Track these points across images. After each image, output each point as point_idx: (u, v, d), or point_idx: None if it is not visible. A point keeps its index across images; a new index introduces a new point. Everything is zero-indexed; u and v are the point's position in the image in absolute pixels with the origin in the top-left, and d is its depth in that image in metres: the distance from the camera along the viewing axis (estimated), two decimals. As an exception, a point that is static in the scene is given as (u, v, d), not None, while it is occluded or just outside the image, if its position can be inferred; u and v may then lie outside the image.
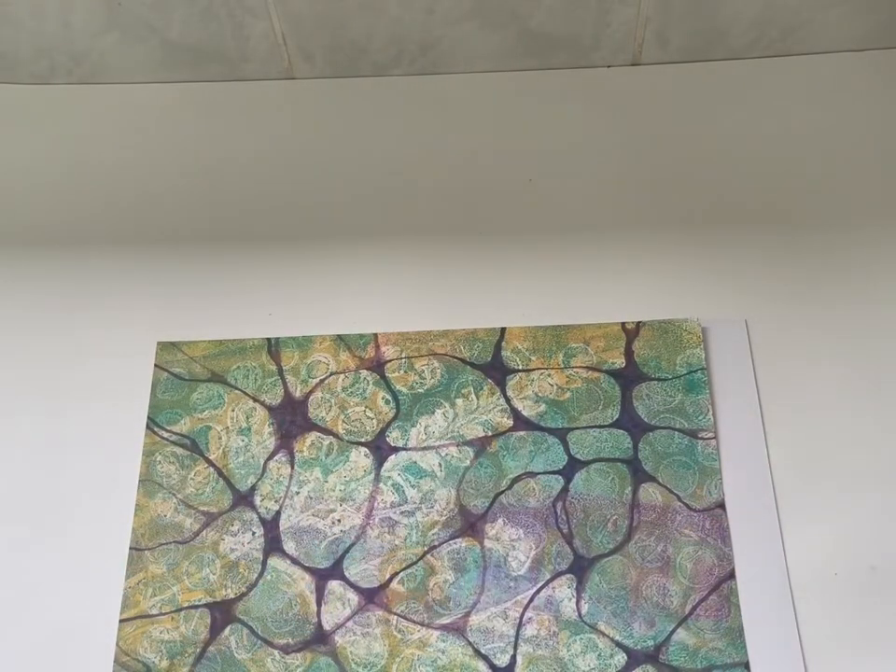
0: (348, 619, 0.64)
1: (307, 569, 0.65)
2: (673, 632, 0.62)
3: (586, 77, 0.87)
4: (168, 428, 0.70)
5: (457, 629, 0.63)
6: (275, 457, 0.69)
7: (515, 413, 0.70)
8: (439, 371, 0.72)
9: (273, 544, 0.66)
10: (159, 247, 0.79)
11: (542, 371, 0.71)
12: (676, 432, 0.68)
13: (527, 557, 0.65)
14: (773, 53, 0.86)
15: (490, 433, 0.69)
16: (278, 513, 0.67)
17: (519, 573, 0.65)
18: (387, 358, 0.72)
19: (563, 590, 0.64)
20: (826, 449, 0.68)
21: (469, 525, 0.66)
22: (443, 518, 0.66)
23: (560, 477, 0.67)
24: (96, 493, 0.69)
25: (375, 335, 0.73)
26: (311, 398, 0.71)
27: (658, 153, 0.82)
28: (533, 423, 0.69)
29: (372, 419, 0.70)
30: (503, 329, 0.73)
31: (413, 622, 0.63)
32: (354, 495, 0.68)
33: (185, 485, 0.68)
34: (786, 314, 0.73)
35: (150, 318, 0.75)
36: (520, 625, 0.63)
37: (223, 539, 0.66)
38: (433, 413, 0.70)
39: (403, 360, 0.72)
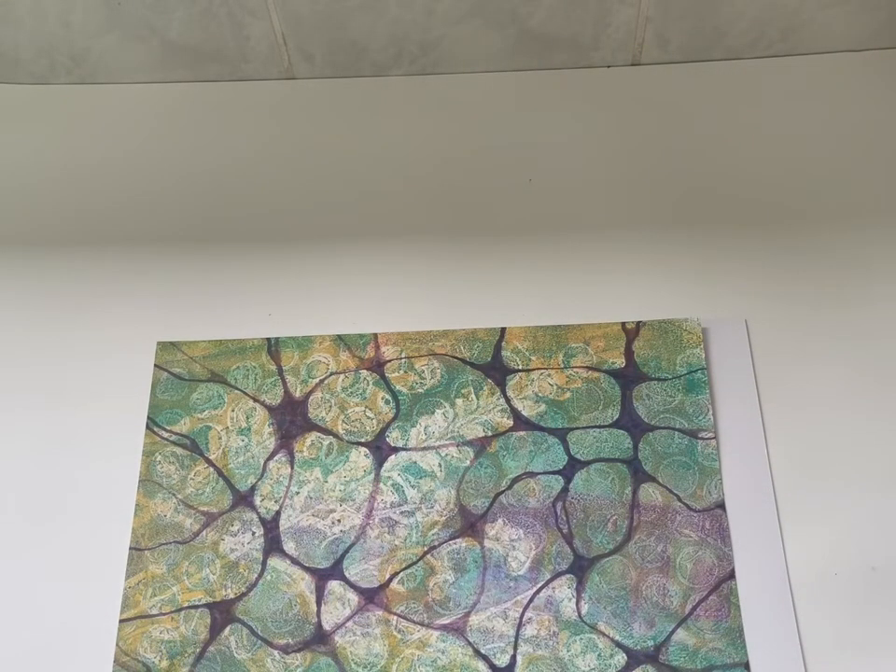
0: (348, 619, 0.64)
1: (307, 569, 0.65)
2: (673, 632, 0.62)
3: (586, 77, 0.87)
4: (168, 428, 0.70)
5: (457, 629, 0.63)
6: (275, 457, 0.69)
7: (515, 413, 0.70)
8: (439, 371, 0.72)
9: (272, 544, 0.66)
10: (159, 247, 0.79)
11: (542, 370, 0.71)
12: (676, 432, 0.68)
13: (527, 557, 0.65)
14: (773, 53, 0.86)
15: (490, 433, 0.69)
16: (278, 513, 0.67)
17: (519, 573, 0.65)
18: (387, 358, 0.72)
19: (563, 590, 0.64)
20: (826, 449, 0.68)
21: (469, 525, 0.66)
22: (443, 518, 0.66)
23: (560, 477, 0.67)
24: (96, 493, 0.69)
25: (375, 335, 0.73)
26: (311, 398, 0.71)
27: (658, 153, 0.82)
28: (533, 423, 0.69)
29: (372, 419, 0.70)
30: (503, 329, 0.73)
31: (413, 622, 0.63)
32: (354, 495, 0.68)
33: (185, 485, 0.68)
34: (786, 314, 0.73)
35: (150, 318, 0.75)
36: (520, 625, 0.63)
37: (223, 540, 0.66)
38: (433, 413, 0.70)
39: (403, 360, 0.72)
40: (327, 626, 0.64)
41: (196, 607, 0.65)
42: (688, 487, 0.66)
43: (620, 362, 0.71)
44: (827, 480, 0.67)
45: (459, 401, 0.70)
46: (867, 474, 0.67)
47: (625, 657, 0.62)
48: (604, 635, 0.62)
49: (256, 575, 0.65)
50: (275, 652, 0.63)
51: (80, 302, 0.76)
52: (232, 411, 0.71)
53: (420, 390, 0.71)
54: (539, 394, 0.70)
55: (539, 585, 0.64)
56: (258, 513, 0.67)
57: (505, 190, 0.80)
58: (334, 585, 0.65)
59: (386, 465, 0.68)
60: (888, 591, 0.63)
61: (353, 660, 0.62)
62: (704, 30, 0.84)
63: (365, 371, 0.72)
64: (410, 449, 0.69)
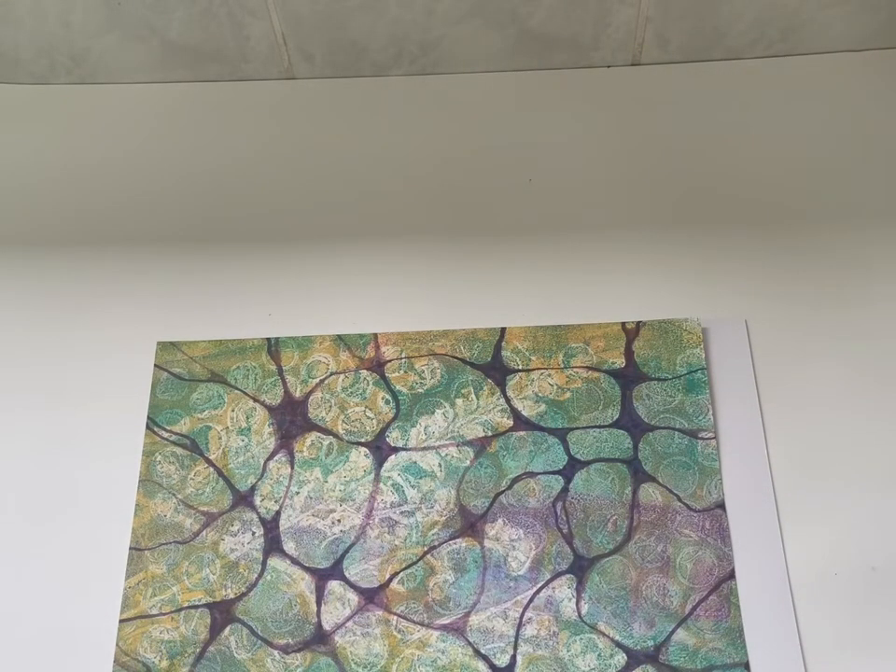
0: (348, 619, 0.64)
1: (307, 569, 0.65)
2: (673, 632, 0.62)
3: (586, 77, 0.87)
4: (168, 428, 0.70)
5: (457, 629, 0.63)
6: (275, 457, 0.69)
7: (515, 413, 0.70)
8: (439, 371, 0.72)
9: (272, 544, 0.66)
10: (159, 247, 0.79)
11: (542, 371, 0.71)
12: (676, 432, 0.68)
13: (527, 557, 0.65)
14: (773, 53, 0.86)
15: (490, 433, 0.69)
16: (278, 513, 0.67)
17: (519, 573, 0.65)
18: (387, 358, 0.72)
19: (563, 590, 0.64)
20: (826, 449, 0.68)
21: (469, 525, 0.66)
22: (443, 518, 0.66)
23: (560, 477, 0.67)
24: (96, 493, 0.69)
25: (375, 335, 0.73)
26: (311, 398, 0.71)
27: (658, 153, 0.82)
28: (533, 423, 0.69)
29: (372, 419, 0.70)
30: (503, 329, 0.73)
31: (413, 622, 0.63)
32: (354, 495, 0.68)
33: (185, 485, 0.68)
34: (786, 314, 0.73)
35: (150, 318, 0.75)
36: (520, 625, 0.63)
37: (223, 540, 0.66)
38: (433, 413, 0.70)
39: (403, 360, 0.72)
40: (327, 626, 0.64)
41: (196, 607, 0.65)
42: (688, 487, 0.66)
43: (620, 362, 0.71)
44: (827, 480, 0.67)
45: (459, 401, 0.70)
46: (867, 474, 0.67)
47: (625, 657, 0.62)
48: (604, 635, 0.62)
49: (256, 575, 0.65)
50: (275, 652, 0.63)
51: (80, 302, 0.76)
52: (232, 411, 0.71)
53: (420, 390, 0.71)
54: (539, 394, 0.70)
55: (538, 585, 0.64)
56: (258, 513, 0.67)
57: (505, 190, 0.80)
58: (334, 585, 0.65)
59: (386, 465, 0.68)
60: (888, 591, 0.63)
61: (353, 660, 0.62)
62: (704, 30, 0.84)
63: (365, 370, 0.72)
64: (410, 449, 0.69)
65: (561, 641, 0.62)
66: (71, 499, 0.69)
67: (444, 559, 0.65)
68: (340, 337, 0.73)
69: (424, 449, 0.69)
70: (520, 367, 0.71)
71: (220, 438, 0.70)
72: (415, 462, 0.68)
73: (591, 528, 0.65)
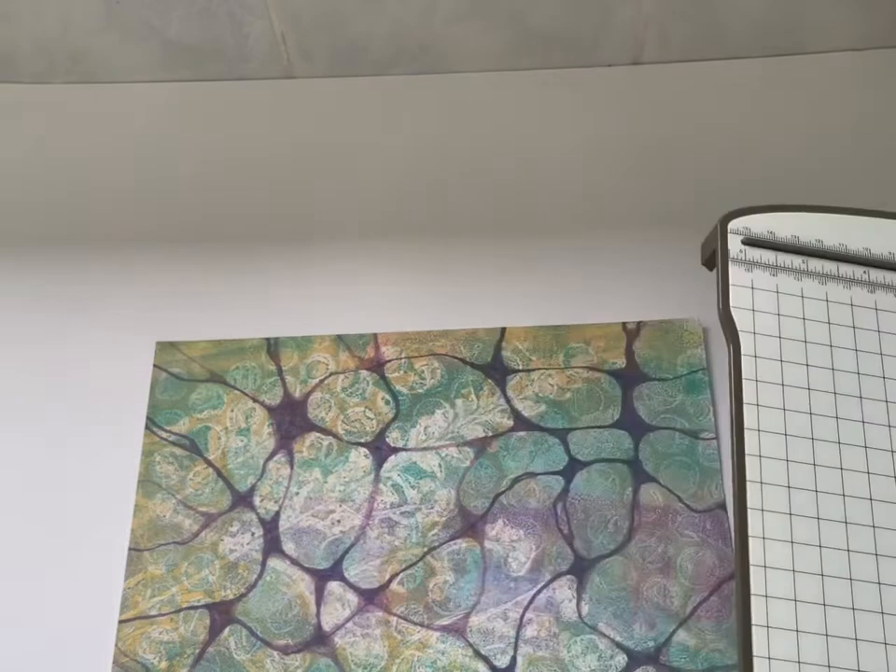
0: (348, 620, 0.64)
1: (307, 570, 0.65)
2: (674, 633, 0.62)
3: (586, 76, 0.87)
4: (167, 429, 0.70)
5: (457, 630, 0.63)
6: (275, 458, 0.69)
7: (515, 414, 0.69)
8: (439, 371, 0.71)
9: (272, 545, 0.66)
10: (159, 247, 0.78)
11: (542, 371, 0.71)
12: (677, 433, 0.68)
13: (527, 558, 0.65)
14: (774, 52, 0.86)
15: (490, 433, 0.69)
16: (277, 514, 0.67)
17: (519, 574, 0.64)
18: (387, 358, 0.72)
19: (563, 591, 0.64)
20: (827, 449, 0.68)
21: (470, 525, 0.66)
22: (443, 519, 0.66)
23: (560, 477, 0.67)
24: (95, 493, 0.68)
25: (375, 335, 0.73)
26: (310, 398, 0.71)
27: (658, 152, 0.82)
28: (533, 423, 0.69)
29: (372, 419, 0.70)
30: (503, 329, 0.73)
31: (413, 623, 0.63)
32: (353, 495, 0.67)
33: (184, 486, 0.68)
34: (787, 314, 0.73)
35: (149, 318, 0.75)
36: (520, 626, 0.63)
37: (222, 540, 0.66)
38: (433, 413, 0.70)
39: (403, 360, 0.72)
40: (326, 627, 0.63)
41: (195, 608, 0.64)
42: (689, 488, 0.66)
43: (620, 362, 0.71)
44: (828, 480, 0.67)
45: (459, 402, 0.70)
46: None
47: (626, 658, 0.62)
48: (604, 636, 0.62)
49: (255, 576, 0.65)
50: (275, 653, 0.63)
51: (79, 302, 0.76)
52: (232, 411, 0.71)
53: (420, 390, 0.71)
54: (540, 394, 0.70)
55: (539, 586, 0.64)
56: (257, 514, 0.67)
57: (505, 190, 0.80)
58: (334, 586, 0.65)
59: (386, 465, 0.68)
60: None
61: (352, 661, 0.62)
62: (705, 29, 0.84)
63: (365, 371, 0.72)
64: (410, 449, 0.69)
65: (561, 642, 0.62)
66: (69, 500, 0.68)
67: (444, 560, 0.65)
68: (339, 337, 0.73)
69: (424, 449, 0.69)
70: (520, 367, 0.71)
71: (220, 438, 0.70)
72: (415, 462, 0.68)
73: (591, 529, 0.65)
